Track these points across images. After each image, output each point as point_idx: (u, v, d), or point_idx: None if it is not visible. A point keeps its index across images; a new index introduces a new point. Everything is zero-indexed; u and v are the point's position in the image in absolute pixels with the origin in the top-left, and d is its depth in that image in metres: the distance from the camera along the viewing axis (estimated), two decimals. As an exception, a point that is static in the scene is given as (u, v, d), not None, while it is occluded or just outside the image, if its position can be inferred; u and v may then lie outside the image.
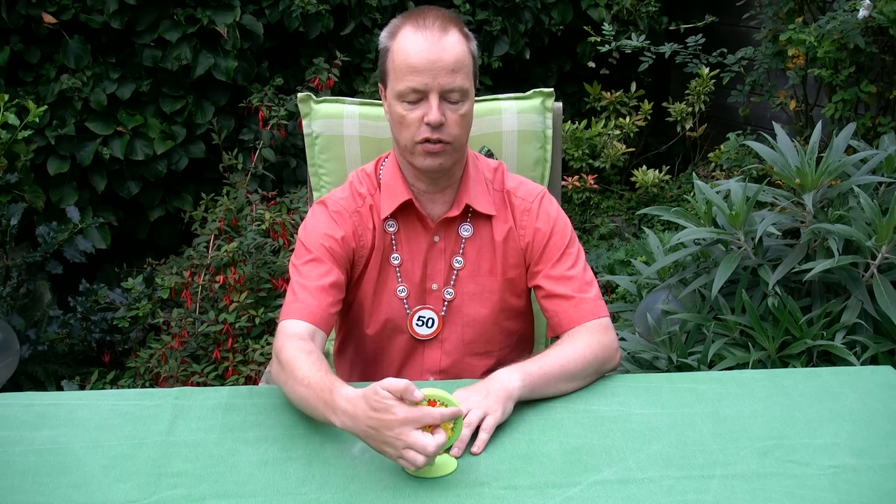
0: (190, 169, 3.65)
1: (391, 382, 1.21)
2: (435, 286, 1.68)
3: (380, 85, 1.61)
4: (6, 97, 2.98)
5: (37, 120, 3.06)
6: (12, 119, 2.94)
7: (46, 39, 3.42)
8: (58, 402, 1.47)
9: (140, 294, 3.13)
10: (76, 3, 3.36)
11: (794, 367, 1.83)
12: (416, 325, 1.69)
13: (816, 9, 3.41)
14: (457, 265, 1.68)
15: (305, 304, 1.52)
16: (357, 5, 3.87)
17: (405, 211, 1.65)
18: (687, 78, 3.89)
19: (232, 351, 2.88)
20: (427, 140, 1.52)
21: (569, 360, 1.49)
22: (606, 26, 3.72)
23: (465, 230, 1.67)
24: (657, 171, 3.90)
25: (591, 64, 4.30)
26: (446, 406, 1.27)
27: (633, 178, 3.95)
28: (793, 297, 1.97)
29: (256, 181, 3.48)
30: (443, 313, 1.69)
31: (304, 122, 1.95)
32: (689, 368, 1.90)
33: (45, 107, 3.23)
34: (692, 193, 3.22)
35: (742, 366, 1.85)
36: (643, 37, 3.60)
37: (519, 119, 1.94)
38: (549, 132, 1.96)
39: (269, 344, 2.84)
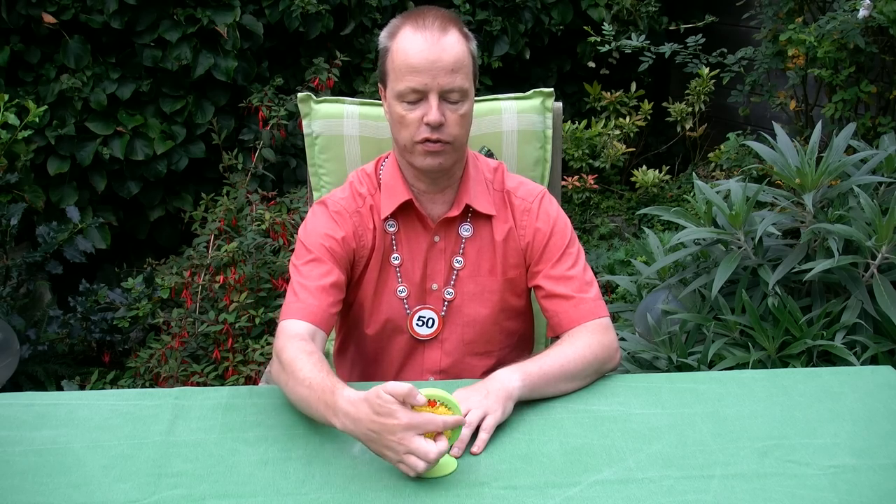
0: (190, 169, 3.65)
1: (394, 386, 1.21)
2: (435, 286, 1.68)
3: (380, 85, 1.61)
4: (6, 97, 2.98)
5: (37, 120, 3.06)
6: (12, 119, 2.94)
7: (46, 39, 3.42)
8: (58, 402, 1.47)
9: (140, 294, 3.13)
10: (76, 3, 3.36)
11: (794, 367, 1.83)
12: (417, 325, 1.69)
13: (816, 9, 3.41)
14: (457, 265, 1.68)
15: (306, 305, 1.52)
16: (357, 5, 3.87)
17: (405, 211, 1.65)
18: (687, 78, 3.90)
19: (232, 351, 2.88)
20: (427, 140, 1.52)
21: (569, 360, 1.49)
22: (606, 26, 3.72)
23: (466, 230, 1.67)
24: (657, 171, 3.90)
25: (591, 64, 4.31)
26: (447, 406, 1.28)
27: (633, 178, 3.95)
28: (793, 297, 1.97)
29: (256, 181, 3.48)
30: (443, 313, 1.69)
31: (304, 122, 1.95)
32: (689, 368, 1.90)
33: (45, 107, 3.23)
34: (692, 193, 3.22)
35: (742, 366, 1.85)
36: (643, 37, 3.60)
37: (519, 119, 1.94)
38: (549, 132, 1.96)
39: (269, 344, 2.84)
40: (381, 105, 1.71)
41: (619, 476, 1.26)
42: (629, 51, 3.63)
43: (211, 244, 3.10)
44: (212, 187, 3.52)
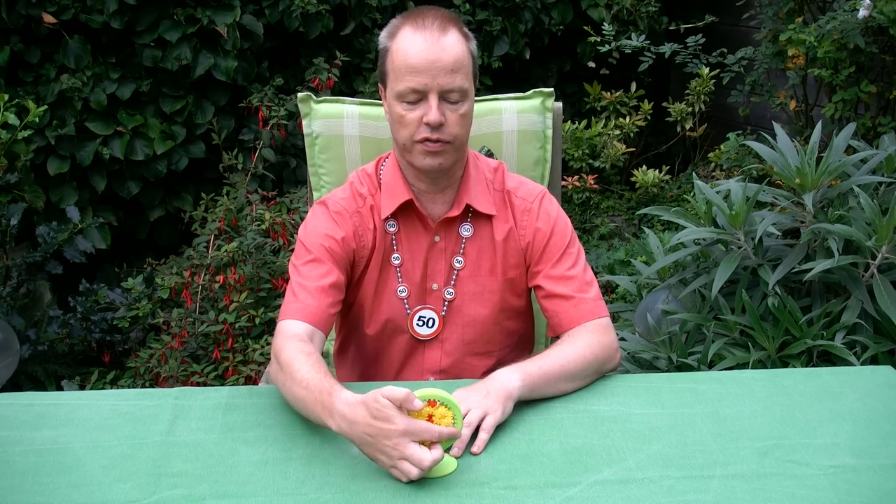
0: (190, 169, 3.65)
1: (392, 391, 1.21)
2: (435, 286, 1.68)
3: (380, 85, 1.61)
4: (6, 97, 2.98)
5: (37, 120, 3.06)
6: (12, 119, 2.94)
7: (46, 39, 3.42)
8: (58, 402, 1.47)
9: (140, 294, 3.13)
10: (76, 3, 3.36)
11: (794, 367, 1.83)
12: (417, 325, 1.69)
13: (816, 9, 3.41)
14: (457, 265, 1.68)
15: (305, 305, 1.52)
16: (357, 5, 3.87)
17: (406, 211, 1.65)
18: (687, 78, 3.90)
19: (232, 351, 2.88)
20: (427, 140, 1.52)
21: (569, 360, 1.49)
22: (606, 26, 3.72)
23: (466, 230, 1.67)
24: (657, 171, 3.90)
25: (591, 64, 4.30)
26: (447, 406, 1.28)
27: (633, 178, 3.95)
28: (793, 297, 1.97)
29: (256, 181, 3.48)
30: (443, 313, 1.69)
31: (304, 122, 1.95)
32: (689, 368, 1.90)
33: (45, 107, 3.23)
34: (692, 193, 3.22)
35: (742, 366, 1.85)
36: (643, 37, 3.60)
37: (519, 119, 1.94)
38: (549, 132, 1.96)
39: (269, 344, 2.84)
40: (381, 105, 1.71)
41: (619, 476, 1.26)
42: (629, 51, 3.63)
43: (211, 244, 3.10)
44: (212, 187, 3.52)
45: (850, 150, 2.29)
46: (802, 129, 3.61)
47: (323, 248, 1.59)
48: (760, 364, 1.87)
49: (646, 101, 3.99)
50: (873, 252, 1.92)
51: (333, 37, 3.87)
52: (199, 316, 2.92)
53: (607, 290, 3.25)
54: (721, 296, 1.97)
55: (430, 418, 1.27)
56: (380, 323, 1.69)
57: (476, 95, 1.61)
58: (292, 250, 1.66)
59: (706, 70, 3.71)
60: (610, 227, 3.85)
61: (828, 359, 1.89)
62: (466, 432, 1.32)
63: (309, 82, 3.65)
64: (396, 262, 1.67)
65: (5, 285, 2.93)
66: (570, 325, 1.59)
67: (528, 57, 4.38)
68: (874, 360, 1.87)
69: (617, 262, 3.40)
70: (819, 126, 2.24)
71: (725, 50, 3.60)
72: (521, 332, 1.79)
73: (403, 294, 1.68)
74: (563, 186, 3.70)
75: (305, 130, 1.95)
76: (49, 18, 3.32)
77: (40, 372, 2.90)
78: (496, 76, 4.27)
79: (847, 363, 1.81)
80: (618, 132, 3.92)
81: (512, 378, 1.42)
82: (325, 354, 1.94)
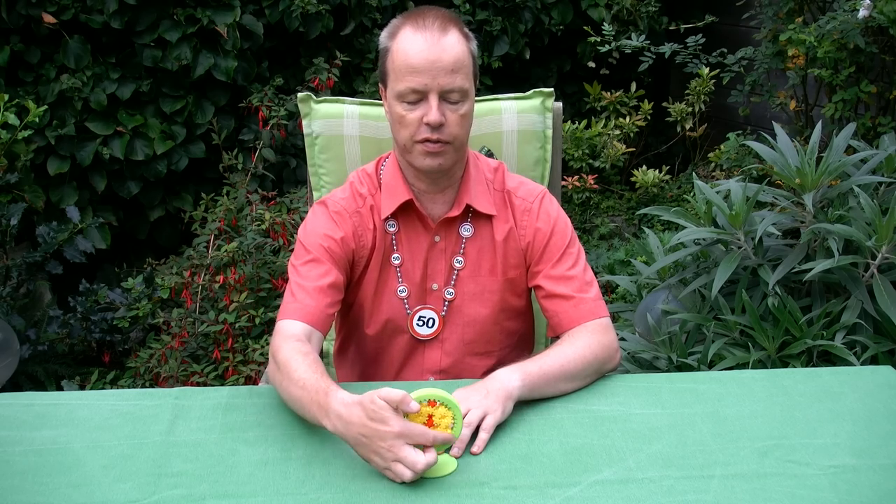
0: (190, 169, 3.65)
1: (388, 392, 1.22)
2: (435, 286, 1.68)
3: (380, 85, 1.61)
4: (6, 97, 2.98)
5: (37, 120, 3.06)
6: (12, 119, 2.94)
7: (46, 39, 3.42)
8: (58, 402, 1.47)
9: (140, 294, 3.13)
10: (76, 3, 3.36)
11: (794, 367, 1.83)
12: (417, 325, 1.69)
13: (816, 9, 3.41)
14: (457, 265, 1.68)
15: (303, 305, 1.52)
16: (357, 5, 3.87)
17: (406, 211, 1.65)
18: (687, 78, 3.90)
19: (232, 351, 2.88)
20: (427, 140, 1.52)
21: (569, 360, 1.49)
22: (606, 26, 3.72)
23: (466, 230, 1.67)
24: (657, 171, 3.90)
25: (591, 64, 4.30)
26: (447, 406, 1.28)
27: (633, 178, 3.95)
28: (793, 297, 1.97)
29: (256, 181, 3.48)
30: (443, 313, 1.69)
31: (304, 122, 1.95)
32: (689, 368, 1.90)
33: (45, 107, 3.23)
34: (692, 193, 3.22)
35: (742, 366, 1.85)
36: (643, 37, 3.60)
37: (519, 119, 1.94)
38: (549, 132, 1.96)
39: (268, 344, 2.83)
40: (381, 105, 1.71)
41: (619, 476, 1.26)
42: (629, 51, 3.63)
43: (211, 244, 3.10)
44: (212, 187, 3.52)
45: (850, 150, 2.29)
46: (802, 129, 3.61)
47: (322, 249, 1.59)
48: (760, 364, 1.87)
49: (646, 101, 4.00)
50: (873, 252, 1.92)
51: (333, 37, 3.87)
52: (199, 316, 2.92)
53: (607, 290, 3.25)
54: (721, 296, 1.97)
55: (430, 418, 1.27)
56: (380, 323, 1.69)
57: (476, 95, 1.60)
58: (292, 250, 1.66)
59: (706, 70, 3.71)
60: (610, 227, 3.85)
61: (828, 359, 1.89)
62: (466, 432, 1.32)
63: (309, 82, 3.65)
64: (396, 262, 1.67)
65: (5, 285, 2.93)
66: (570, 325, 1.59)
67: (528, 57, 4.38)
68: (874, 360, 1.87)
69: (617, 262, 3.40)
70: (819, 126, 2.24)
71: (725, 50, 3.60)
72: (521, 332, 1.79)
73: (403, 294, 1.68)
74: (563, 186, 3.70)
75: (305, 130, 1.95)
76: (49, 18, 3.32)
77: (40, 372, 2.90)
78: (496, 76, 4.27)
79: (847, 363, 1.81)
80: (618, 132, 3.92)
81: (512, 378, 1.42)
82: (325, 354, 1.95)
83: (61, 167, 3.43)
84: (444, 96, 1.51)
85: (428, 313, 1.69)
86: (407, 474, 1.20)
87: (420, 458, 1.20)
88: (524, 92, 1.97)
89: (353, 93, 3.85)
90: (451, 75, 1.50)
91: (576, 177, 3.85)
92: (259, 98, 3.58)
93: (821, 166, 2.02)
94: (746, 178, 2.67)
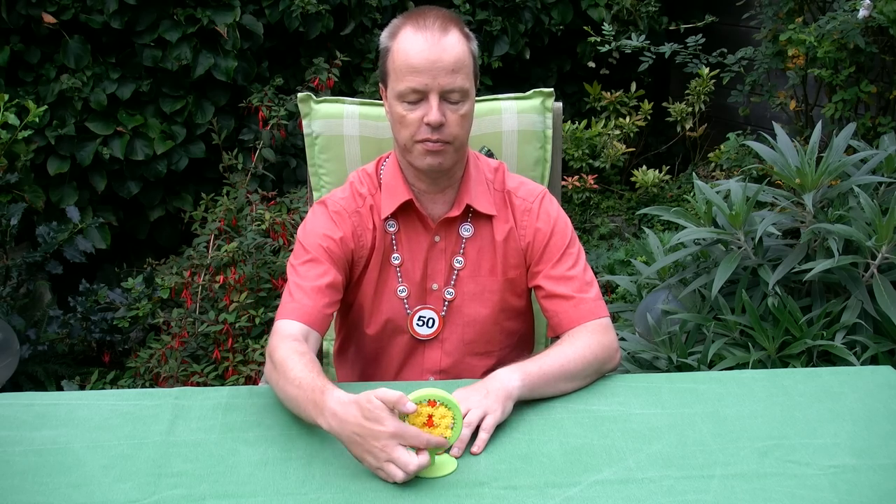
0: (190, 169, 3.65)
1: (385, 392, 1.22)
2: (435, 286, 1.68)
3: (380, 85, 1.61)
4: (6, 97, 2.98)
5: (37, 120, 3.05)
6: (12, 119, 2.94)
7: (46, 39, 3.42)
8: (58, 402, 1.47)
9: (140, 294, 3.13)
10: (76, 3, 3.36)
11: (794, 367, 1.83)
12: (417, 325, 1.69)
13: (816, 9, 3.41)
14: (457, 265, 1.68)
15: (301, 305, 1.52)
16: (357, 5, 3.87)
17: (406, 211, 1.65)
18: (687, 78, 3.90)
19: (232, 351, 2.88)
20: (427, 140, 1.52)
21: (569, 360, 1.49)
22: (606, 26, 3.72)
23: (466, 230, 1.67)
24: (657, 171, 3.90)
25: (591, 64, 4.30)
26: (446, 406, 1.28)
27: (633, 178, 3.95)
28: (793, 297, 1.97)
29: (256, 181, 3.48)
30: (443, 313, 1.69)
31: (304, 122, 1.95)
32: (689, 368, 1.90)
33: (45, 107, 3.23)
34: (692, 193, 3.22)
35: (742, 366, 1.85)
36: (643, 37, 3.60)
37: (519, 119, 1.94)
38: (549, 132, 1.96)
39: (268, 344, 2.83)
40: (381, 105, 1.71)
41: (619, 476, 1.26)
42: (629, 51, 3.63)
43: (211, 244, 3.10)
44: (212, 187, 3.52)
45: (850, 150, 2.29)
46: (802, 129, 3.61)
47: (321, 248, 1.59)
48: (760, 364, 1.87)
49: (646, 101, 4.00)
50: (873, 252, 1.92)
51: (333, 37, 3.87)
52: (199, 316, 2.92)
53: (607, 290, 3.25)
54: (721, 296, 1.97)
55: (430, 418, 1.27)
56: (380, 323, 1.69)
57: (476, 95, 1.61)
58: (292, 250, 1.66)
59: (706, 70, 3.71)
60: (610, 227, 3.85)
61: (828, 359, 1.89)
62: (466, 432, 1.32)
63: (309, 82, 3.65)
64: (396, 261, 1.67)
65: (5, 285, 2.93)
66: (571, 325, 1.59)
67: (528, 57, 4.38)
68: (874, 360, 1.87)
69: (617, 262, 3.40)
70: (819, 126, 2.24)
71: (725, 50, 3.60)
72: (521, 332, 1.79)
73: (403, 294, 1.68)
74: (563, 186, 3.70)
75: (305, 130, 1.95)
76: (49, 18, 3.32)
77: (40, 372, 2.90)
78: (496, 76, 4.27)
79: (847, 363, 1.81)
80: (618, 132, 3.92)
81: (512, 378, 1.42)
82: (324, 354, 1.95)
83: (61, 167, 3.43)
84: (444, 96, 1.51)
85: (428, 313, 1.69)
86: (399, 475, 1.20)
87: (412, 460, 1.20)
88: (524, 92, 1.97)
89: (353, 93, 3.85)
90: (452, 75, 1.49)
91: (576, 177, 3.85)
92: (259, 98, 3.58)
93: (821, 166, 2.02)
94: (746, 178, 2.67)
